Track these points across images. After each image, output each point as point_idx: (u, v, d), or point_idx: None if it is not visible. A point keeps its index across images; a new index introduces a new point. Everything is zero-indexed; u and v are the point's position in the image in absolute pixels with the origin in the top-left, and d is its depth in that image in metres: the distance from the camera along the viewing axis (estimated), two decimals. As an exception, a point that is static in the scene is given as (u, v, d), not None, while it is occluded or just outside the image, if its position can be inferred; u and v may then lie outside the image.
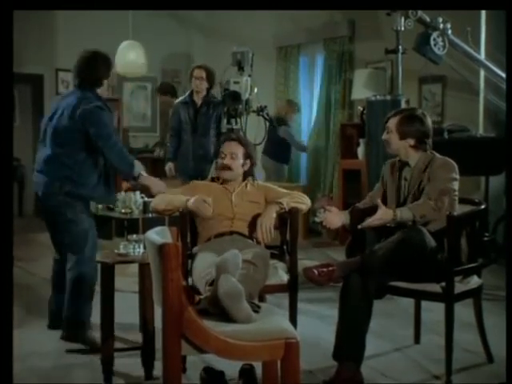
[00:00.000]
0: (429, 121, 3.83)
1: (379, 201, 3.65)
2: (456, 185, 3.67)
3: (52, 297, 4.43)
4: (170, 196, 3.95)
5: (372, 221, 3.60)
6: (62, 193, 4.11)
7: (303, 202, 3.98)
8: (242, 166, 4.01)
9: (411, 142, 3.76)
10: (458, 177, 3.69)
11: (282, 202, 3.87)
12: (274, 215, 3.84)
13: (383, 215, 3.57)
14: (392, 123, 3.81)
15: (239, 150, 3.99)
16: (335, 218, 3.91)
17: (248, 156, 4.03)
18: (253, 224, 3.88)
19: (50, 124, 4.23)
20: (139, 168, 4.27)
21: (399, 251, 3.42)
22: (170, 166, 6.68)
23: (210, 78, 6.39)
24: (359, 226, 3.68)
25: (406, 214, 3.55)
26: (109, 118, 4.35)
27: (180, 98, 6.78)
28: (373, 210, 3.83)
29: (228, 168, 3.96)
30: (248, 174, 4.08)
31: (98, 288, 3.71)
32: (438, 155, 3.78)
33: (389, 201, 3.86)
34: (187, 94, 6.59)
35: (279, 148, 8.38)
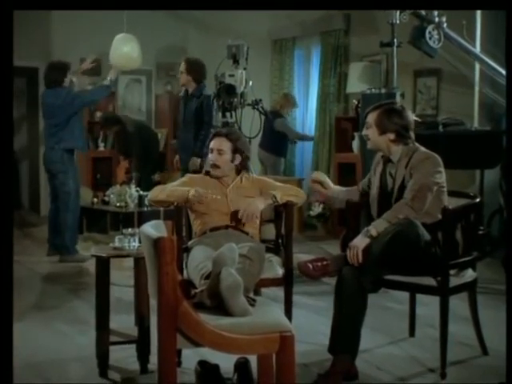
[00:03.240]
0: (409, 114, 3.78)
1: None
2: (440, 178, 3.60)
3: (51, 233, 6.73)
4: (170, 187, 3.95)
5: (353, 256, 3.46)
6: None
7: (298, 196, 3.97)
8: (232, 161, 3.99)
9: (391, 136, 3.69)
10: (441, 169, 3.63)
11: (275, 195, 3.86)
12: (262, 206, 3.83)
13: (360, 243, 3.46)
14: (371, 118, 3.75)
15: (226, 146, 3.97)
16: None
17: (237, 150, 4.00)
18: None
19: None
20: (106, 82, 6.85)
21: (393, 245, 3.41)
22: (176, 159, 7.02)
23: (192, 70, 6.37)
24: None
25: (380, 226, 3.48)
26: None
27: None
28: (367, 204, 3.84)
29: (215, 165, 3.96)
30: (242, 168, 4.07)
31: (93, 282, 3.70)
32: (421, 148, 3.71)
33: (371, 198, 3.84)
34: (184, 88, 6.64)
35: (276, 141, 8.37)
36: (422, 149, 3.72)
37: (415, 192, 3.52)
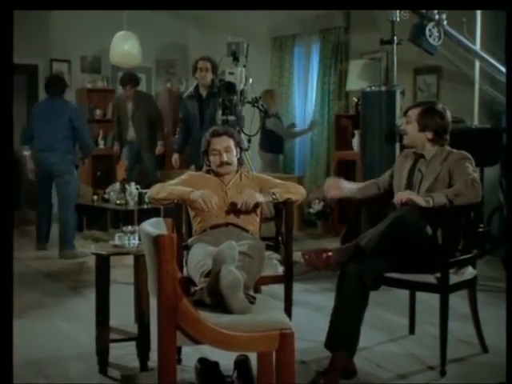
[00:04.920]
0: (449, 116, 3.81)
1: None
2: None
3: (44, 227, 7.05)
4: (170, 186, 3.94)
5: (406, 198, 3.49)
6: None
7: (297, 193, 3.96)
8: (236, 155, 4.03)
9: (429, 135, 3.74)
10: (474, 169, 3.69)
11: (274, 193, 3.86)
12: (261, 199, 3.83)
13: (414, 197, 3.48)
14: (412, 114, 3.79)
15: (230, 143, 3.99)
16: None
17: (238, 144, 4.05)
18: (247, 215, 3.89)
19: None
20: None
21: (391, 230, 3.43)
22: (175, 158, 7.11)
23: (215, 69, 6.36)
24: (395, 201, 3.55)
25: (438, 198, 3.45)
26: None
27: (186, 92, 6.91)
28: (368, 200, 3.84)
29: (227, 163, 3.96)
30: (240, 162, 4.08)
31: (93, 279, 3.71)
32: (454, 150, 3.76)
33: (396, 192, 3.83)
34: (193, 87, 6.61)
35: (269, 139, 8.26)
36: (456, 150, 3.76)
37: (470, 180, 3.52)
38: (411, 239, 3.47)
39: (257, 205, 3.87)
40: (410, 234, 3.46)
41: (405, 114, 3.89)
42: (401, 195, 3.56)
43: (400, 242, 3.47)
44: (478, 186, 3.52)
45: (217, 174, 4.01)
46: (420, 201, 3.46)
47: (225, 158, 3.95)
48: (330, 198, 4.03)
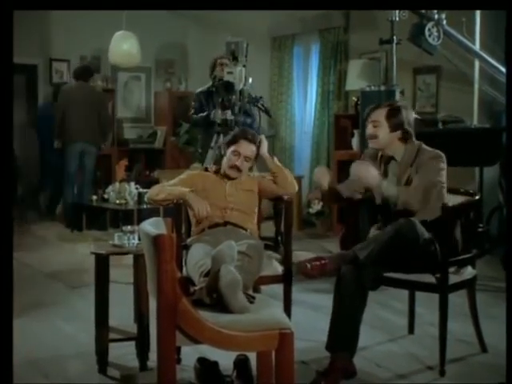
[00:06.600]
0: (411, 111, 3.82)
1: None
2: (444, 176, 3.63)
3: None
4: (169, 186, 3.94)
5: (358, 176, 3.61)
6: None
7: (291, 179, 3.97)
8: (251, 167, 4.06)
9: (399, 134, 3.72)
10: (445, 167, 3.65)
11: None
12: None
13: (371, 174, 3.55)
14: (380, 115, 3.73)
15: (253, 153, 3.99)
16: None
17: (257, 156, 4.05)
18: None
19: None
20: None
21: (392, 244, 3.41)
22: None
23: None
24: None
25: (391, 189, 3.52)
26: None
27: None
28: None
29: (238, 169, 3.95)
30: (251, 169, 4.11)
31: (92, 280, 3.71)
32: (425, 146, 3.73)
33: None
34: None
35: None
36: (425, 146, 3.73)
37: (425, 186, 3.53)
38: (412, 249, 3.46)
39: None
40: (410, 245, 3.44)
41: (367, 117, 3.81)
42: (357, 169, 3.64)
43: (400, 253, 3.46)
44: (427, 199, 3.52)
45: (216, 172, 4.02)
46: (375, 180, 3.55)
47: (239, 163, 3.94)
48: (319, 183, 4.01)
